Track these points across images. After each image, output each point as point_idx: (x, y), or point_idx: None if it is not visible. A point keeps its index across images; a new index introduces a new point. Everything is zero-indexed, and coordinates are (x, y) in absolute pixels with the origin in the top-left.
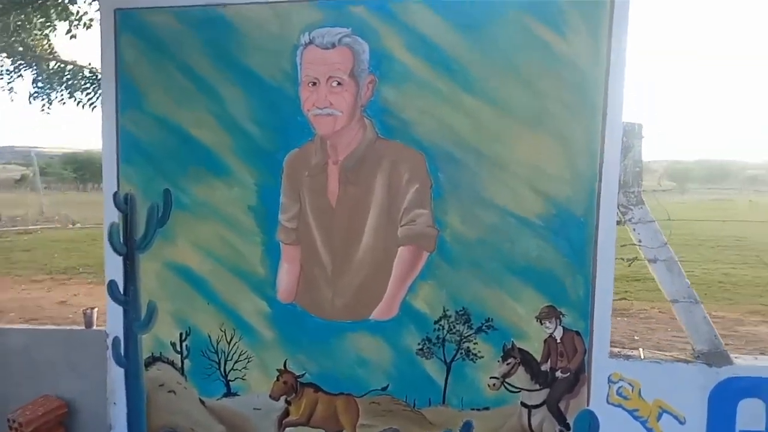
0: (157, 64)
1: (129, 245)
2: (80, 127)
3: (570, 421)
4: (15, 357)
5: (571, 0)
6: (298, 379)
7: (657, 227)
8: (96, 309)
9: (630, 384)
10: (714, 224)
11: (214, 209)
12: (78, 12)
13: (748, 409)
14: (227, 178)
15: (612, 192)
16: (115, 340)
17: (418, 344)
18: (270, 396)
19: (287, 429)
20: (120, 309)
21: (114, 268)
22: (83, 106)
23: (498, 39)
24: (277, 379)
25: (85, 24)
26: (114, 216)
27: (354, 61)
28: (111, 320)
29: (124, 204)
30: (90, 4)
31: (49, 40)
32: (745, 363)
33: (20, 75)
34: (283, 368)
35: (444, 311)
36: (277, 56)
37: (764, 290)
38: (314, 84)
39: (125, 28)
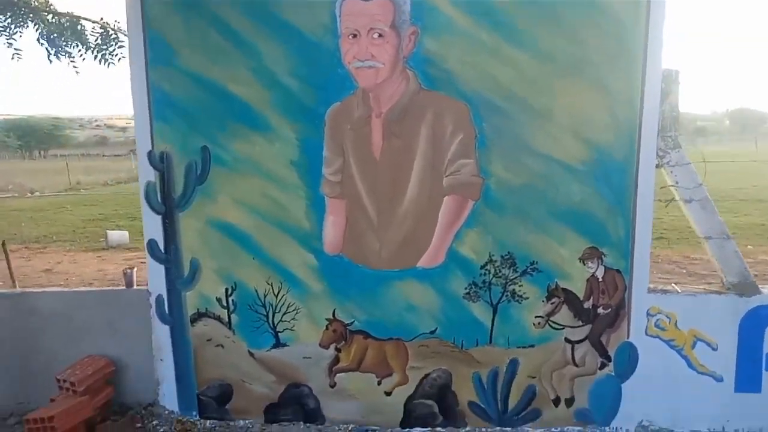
0: (188, 19)
1: (167, 204)
2: (20, 91)
3: (611, 353)
4: (55, 319)
5: None
6: (347, 327)
7: (693, 169)
8: (135, 269)
9: (667, 316)
10: None
11: (255, 165)
12: None
13: None
14: (268, 134)
15: (651, 137)
16: (159, 298)
17: (465, 289)
18: (320, 344)
19: (338, 375)
20: (161, 267)
21: (153, 227)
22: (101, 62)
23: None
24: (327, 328)
25: None
26: (150, 174)
27: (395, 13)
28: (153, 279)
29: (160, 162)
30: None
31: None
32: None
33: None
34: (332, 317)
35: (490, 256)
36: (316, 8)
37: None
38: (354, 36)
39: None
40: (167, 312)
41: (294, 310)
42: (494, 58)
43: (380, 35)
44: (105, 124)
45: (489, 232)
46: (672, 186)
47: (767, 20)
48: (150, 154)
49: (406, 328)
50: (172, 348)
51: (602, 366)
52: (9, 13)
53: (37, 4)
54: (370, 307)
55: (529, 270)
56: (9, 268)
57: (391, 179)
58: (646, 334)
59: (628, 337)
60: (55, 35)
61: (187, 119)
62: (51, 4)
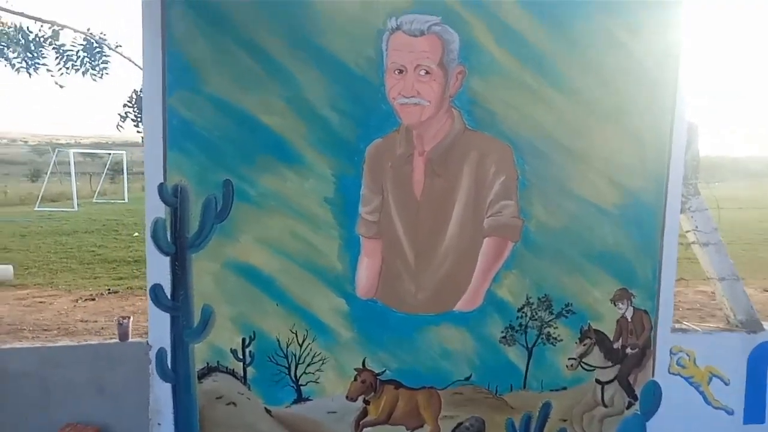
0: (217, 41)
1: (179, 244)
2: None
3: (637, 392)
4: (25, 381)
5: (647, 5)
6: (378, 377)
7: (710, 214)
8: (131, 318)
9: (687, 354)
10: None
11: (284, 202)
12: None
13: None
14: (301, 169)
15: (677, 183)
16: (160, 351)
17: (501, 332)
18: (347, 397)
19: (365, 429)
20: (166, 316)
21: (158, 270)
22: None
23: (582, 38)
24: (355, 379)
25: None
26: (159, 211)
27: (443, 51)
28: (154, 329)
29: (173, 197)
30: None
31: None
32: None
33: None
34: (361, 367)
35: (527, 299)
36: (360, 41)
37: None
38: (401, 72)
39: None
40: (170, 367)
41: (320, 361)
42: (537, 101)
43: (427, 72)
44: None
45: (527, 275)
46: (691, 231)
47: None
48: (161, 188)
49: (439, 375)
50: (173, 409)
51: (629, 405)
52: None
53: None
54: (403, 354)
55: (564, 312)
56: None
57: (431, 219)
58: (669, 372)
59: (653, 376)
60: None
61: (208, 150)
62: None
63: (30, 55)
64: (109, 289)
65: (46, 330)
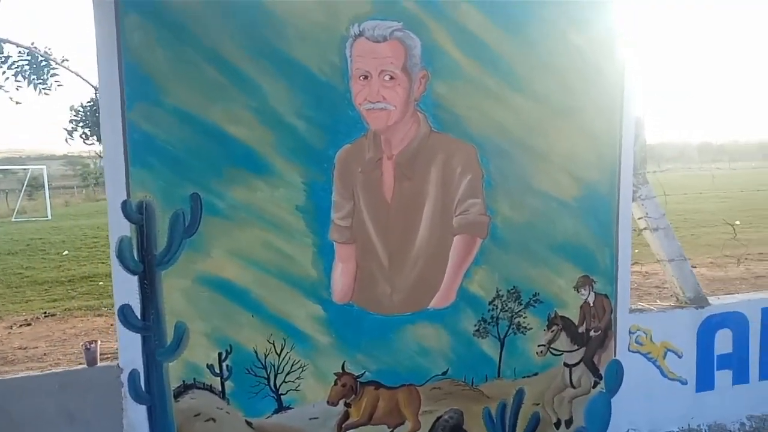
0: (176, 51)
1: (146, 261)
2: None
3: (602, 371)
4: None
5: (596, 6)
6: (358, 379)
7: (657, 201)
8: (98, 342)
9: (644, 332)
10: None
11: (255, 212)
12: None
13: (721, 338)
14: (270, 178)
15: (628, 174)
16: (133, 373)
17: (475, 326)
18: (328, 402)
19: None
20: (136, 337)
21: (126, 290)
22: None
23: (536, 39)
24: (336, 383)
25: None
26: (124, 229)
27: (406, 56)
28: (125, 351)
29: (138, 214)
30: None
31: None
32: (717, 302)
33: None
34: (341, 371)
35: (497, 292)
36: (324, 47)
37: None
38: (366, 77)
39: (129, 7)
40: (144, 389)
41: (299, 368)
42: (498, 102)
43: (392, 78)
44: None
45: (496, 269)
46: (643, 218)
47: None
48: (125, 205)
49: (418, 372)
50: (149, 431)
51: (595, 384)
52: None
53: None
54: (382, 354)
55: (532, 302)
56: None
57: (402, 221)
58: (629, 350)
59: (615, 355)
60: None
61: (173, 164)
62: None
63: None
64: (45, 313)
65: None
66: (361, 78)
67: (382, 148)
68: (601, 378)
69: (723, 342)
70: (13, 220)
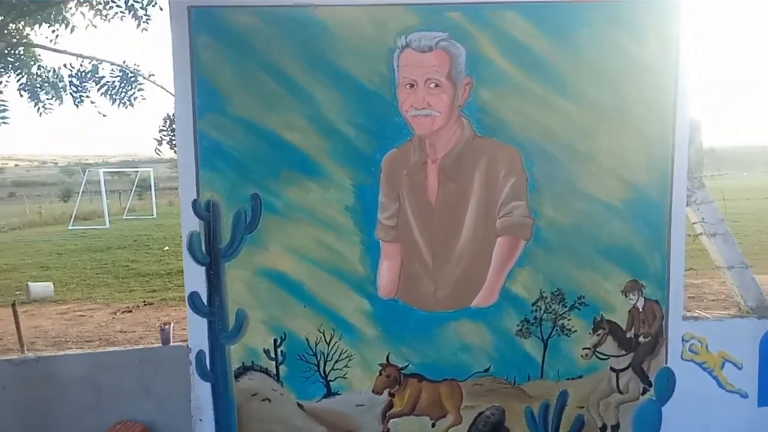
0: (241, 66)
1: (212, 254)
2: None
3: (651, 378)
4: (78, 385)
5: (645, 8)
6: (402, 371)
7: (716, 206)
8: (172, 324)
9: (699, 341)
10: None
11: (308, 212)
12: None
13: None
14: (323, 180)
15: (682, 177)
16: (200, 353)
17: (517, 326)
18: (373, 391)
19: (391, 420)
20: (203, 321)
21: (195, 279)
22: (119, 105)
23: (583, 44)
24: (380, 374)
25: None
26: (194, 225)
27: (451, 64)
28: (194, 334)
29: (206, 211)
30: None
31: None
32: None
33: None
34: (386, 362)
35: (540, 293)
36: (373, 59)
37: None
38: (412, 86)
39: (201, 28)
40: (209, 368)
41: (347, 358)
42: (543, 107)
43: (437, 85)
44: None
45: (539, 270)
46: (698, 222)
47: None
48: (195, 203)
49: (460, 368)
50: (213, 406)
51: (644, 391)
52: None
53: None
54: (425, 349)
55: (576, 304)
56: (18, 331)
57: (446, 222)
58: (682, 358)
59: (666, 363)
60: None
61: (236, 167)
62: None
63: (74, 89)
64: (144, 301)
65: (88, 341)
66: (407, 86)
67: (427, 152)
68: (650, 385)
69: None
70: (124, 217)
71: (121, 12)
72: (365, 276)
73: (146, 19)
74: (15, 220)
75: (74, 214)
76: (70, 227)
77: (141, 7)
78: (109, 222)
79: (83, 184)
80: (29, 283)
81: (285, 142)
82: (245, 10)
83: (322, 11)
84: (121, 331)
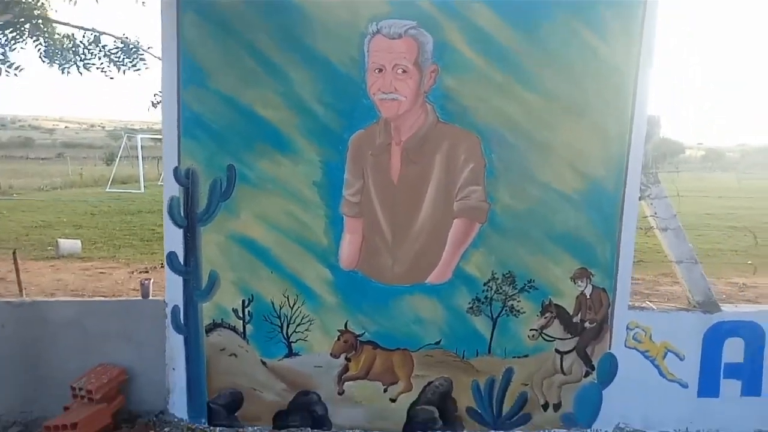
0: (223, 44)
1: (190, 218)
2: None
3: (595, 362)
4: (66, 328)
5: (610, 5)
6: (358, 338)
7: (669, 202)
8: (152, 280)
9: (643, 330)
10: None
11: (279, 184)
12: None
13: (731, 346)
14: (293, 155)
15: (636, 172)
16: (175, 308)
17: (469, 303)
18: (331, 354)
19: (346, 383)
20: (179, 279)
21: (174, 240)
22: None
23: (547, 37)
24: (338, 339)
25: None
26: (174, 190)
27: (418, 52)
28: (170, 290)
29: (185, 178)
30: None
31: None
32: (730, 310)
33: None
34: (344, 328)
35: (492, 275)
36: (346, 43)
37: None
38: (380, 70)
39: (188, 7)
40: (183, 322)
41: (308, 322)
42: (505, 96)
43: (404, 71)
44: (29, 125)
45: (492, 253)
46: (651, 216)
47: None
48: (176, 170)
49: (412, 339)
50: (185, 357)
51: (587, 374)
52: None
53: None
54: (381, 319)
55: (527, 287)
56: (17, 276)
57: (406, 201)
58: (625, 345)
59: (609, 348)
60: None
61: (215, 138)
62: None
63: (80, 57)
64: (161, 264)
65: (102, 296)
66: (376, 71)
67: (392, 134)
68: (593, 368)
69: (733, 351)
70: (158, 183)
71: None
72: (328, 247)
73: None
74: (57, 179)
75: (112, 177)
76: (107, 190)
77: None
78: (144, 187)
79: (122, 148)
80: (59, 239)
81: (260, 117)
82: None
83: None
84: (134, 289)
